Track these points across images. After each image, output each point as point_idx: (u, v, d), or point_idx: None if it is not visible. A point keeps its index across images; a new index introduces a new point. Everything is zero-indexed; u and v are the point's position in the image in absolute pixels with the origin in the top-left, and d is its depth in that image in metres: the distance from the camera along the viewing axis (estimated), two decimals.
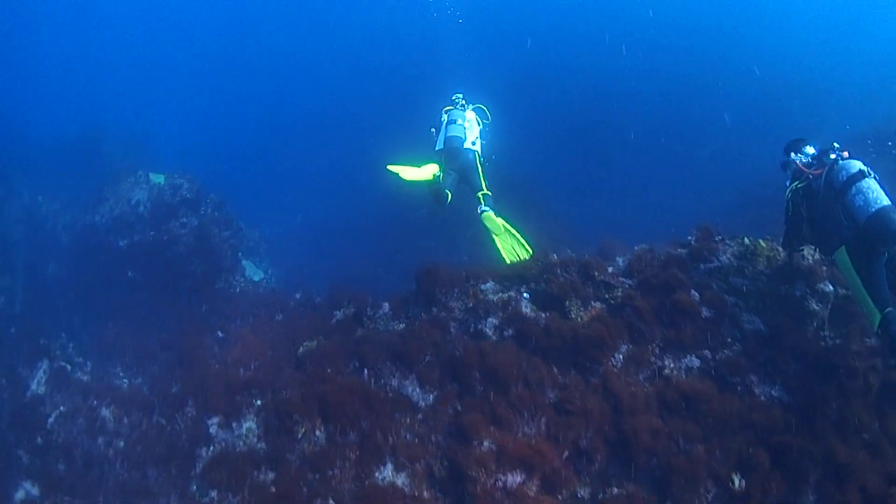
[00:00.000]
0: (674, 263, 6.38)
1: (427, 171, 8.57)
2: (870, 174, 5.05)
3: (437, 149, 9.14)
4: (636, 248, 6.95)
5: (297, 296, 11.56)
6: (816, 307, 5.80)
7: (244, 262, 12.92)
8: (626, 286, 6.30)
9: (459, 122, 9.07)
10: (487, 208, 8.39)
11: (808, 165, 5.56)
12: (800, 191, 5.46)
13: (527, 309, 6.26)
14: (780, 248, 6.17)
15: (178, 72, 29.85)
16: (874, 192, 4.88)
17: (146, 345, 9.72)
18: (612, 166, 16.86)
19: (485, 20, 26.36)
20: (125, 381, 9.74)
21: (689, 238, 6.82)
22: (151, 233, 12.12)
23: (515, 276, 6.69)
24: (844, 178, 5.07)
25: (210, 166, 22.65)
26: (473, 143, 9.07)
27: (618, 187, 15.77)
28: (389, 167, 8.48)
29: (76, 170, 17.05)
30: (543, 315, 6.12)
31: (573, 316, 6.03)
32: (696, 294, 5.85)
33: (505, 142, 11.47)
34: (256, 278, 12.86)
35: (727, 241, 6.58)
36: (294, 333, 7.52)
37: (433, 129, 9.52)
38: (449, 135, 8.96)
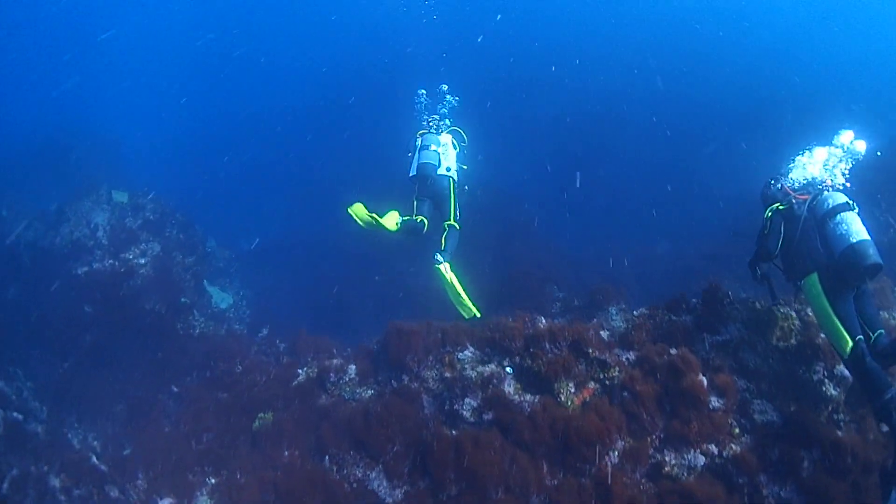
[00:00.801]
0: (678, 334, 5.69)
1: (389, 221, 7.75)
2: (854, 208, 5.07)
3: (409, 175, 8.44)
4: (635, 312, 6.24)
5: (264, 331, 10.85)
6: (834, 392, 5.16)
7: (210, 288, 12.11)
8: (625, 361, 5.60)
9: (433, 147, 8.39)
10: (442, 260, 7.64)
11: (795, 189, 5.58)
12: (781, 213, 5.41)
13: (510, 388, 5.57)
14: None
15: (152, 76, 28.30)
16: (856, 225, 4.91)
17: (101, 393, 8.98)
18: (605, 182, 16.08)
19: (466, 19, 25.20)
20: (80, 433, 9.03)
21: (694, 301, 6.13)
22: (110, 261, 11.24)
23: (498, 346, 5.96)
24: (829, 207, 5.08)
25: (184, 175, 21.76)
26: (448, 170, 8.39)
27: (611, 206, 15.05)
28: (350, 210, 7.64)
29: (44, 180, 16.14)
30: (529, 398, 5.43)
31: (563, 399, 5.35)
32: (705, 379, 5.16)
33: (488, 158, 10.75)
34: (224, 305, 12.06)
35: (737, 305, 5.91)
36: (251, 399, 6.78)
37: (410, 154, 8.82)
38: (422, 161, 8.27)
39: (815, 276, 4.95)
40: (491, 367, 5.77)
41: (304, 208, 17.93)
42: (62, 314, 10.76)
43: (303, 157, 21.03)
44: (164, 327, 9.21)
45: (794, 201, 5.37)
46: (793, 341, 5.59)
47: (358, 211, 7.69)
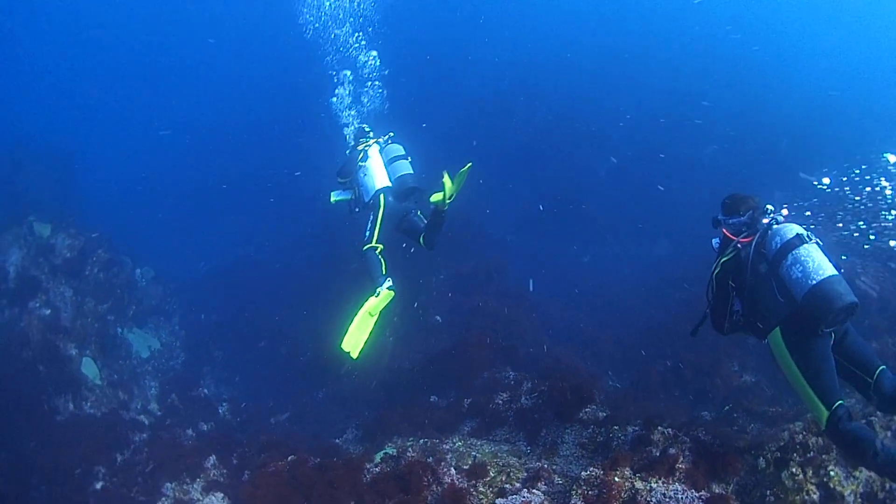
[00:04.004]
0: None
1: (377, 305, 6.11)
2: (810, 239, 4.07)
3: (377, 189, 6.69)
4: (583, 473, 4.69)
5: (173, 397, 9.57)
6: None
7: (131, 335, 10.82)
8: None
9: (403, 154, 6.90)
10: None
11: (737, 232, 4.49)
12: (728, 265, 4.40)
13: None
14: None
15: (106, 87, 26.11)
16: (815, 261, 3.93)
17: None
18: (583, 213, 14.54)
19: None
20: None
21: (672, 451, 4.71)
22: (16, 310, 9.92)
23: None
24: (778, 246, 4.11)
25: (137, 191, 20.34)
26: None
27: (590, 238, 13.49)
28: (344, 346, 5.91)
29: None
30: None
31: None
32: None
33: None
34: (145, 354, 10.78)
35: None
36: None
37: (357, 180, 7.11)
38: (402, 173, 6.70)
39: (777, 333, 4.06)
40: None
41: (265, 227, 16.49)
42: None
43: (266, 167, 19.47)
44: (41, 408, 7.81)
45: (738, 246, 4.40)
46: None
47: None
